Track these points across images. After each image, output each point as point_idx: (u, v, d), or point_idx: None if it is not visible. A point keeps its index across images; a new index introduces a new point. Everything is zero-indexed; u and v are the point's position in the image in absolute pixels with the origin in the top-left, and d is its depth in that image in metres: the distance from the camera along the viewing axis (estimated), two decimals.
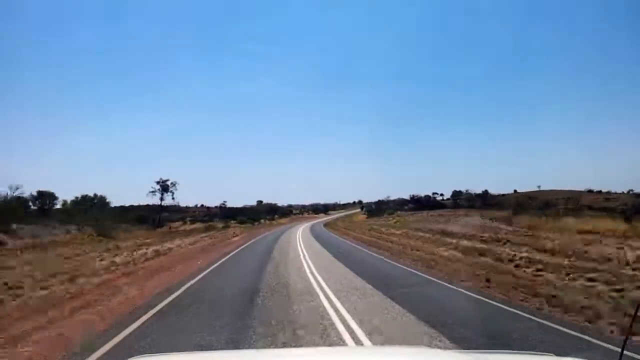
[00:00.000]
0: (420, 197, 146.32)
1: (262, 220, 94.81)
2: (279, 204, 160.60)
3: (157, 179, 64.84)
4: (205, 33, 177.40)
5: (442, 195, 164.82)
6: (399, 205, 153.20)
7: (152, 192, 64.00)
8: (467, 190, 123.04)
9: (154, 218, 63.35)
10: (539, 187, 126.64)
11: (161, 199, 64.48)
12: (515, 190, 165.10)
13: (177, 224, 75.81)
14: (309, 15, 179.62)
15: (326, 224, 68.43)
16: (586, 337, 6.04)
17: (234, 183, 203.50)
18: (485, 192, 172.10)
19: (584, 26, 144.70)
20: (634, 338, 5.16)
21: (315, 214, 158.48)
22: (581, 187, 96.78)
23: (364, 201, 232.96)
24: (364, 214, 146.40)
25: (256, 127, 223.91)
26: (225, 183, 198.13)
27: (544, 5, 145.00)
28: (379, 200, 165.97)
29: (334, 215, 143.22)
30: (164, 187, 64.31)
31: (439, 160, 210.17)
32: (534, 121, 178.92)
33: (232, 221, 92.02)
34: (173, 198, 65.07)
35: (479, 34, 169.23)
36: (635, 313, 1.80)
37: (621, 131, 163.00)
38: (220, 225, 65.57)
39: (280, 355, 2.75)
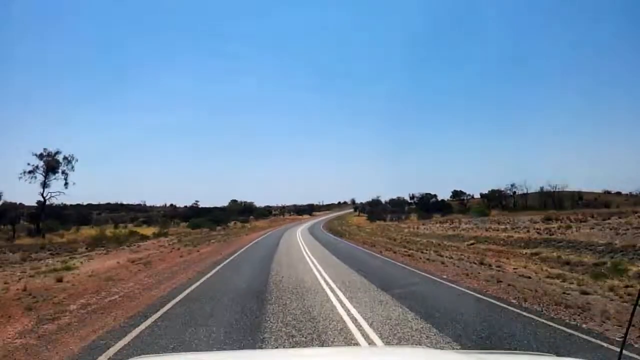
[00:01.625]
0: (425, 196, 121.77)
1: (230, 224, 66.76)
2: (256, 204, 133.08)
3: (40, 151, 35.54)
4: (185, 32, 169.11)
5: (434, 195, 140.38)
6: (398, 205, 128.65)
7: (30, 172, 34.78)
8: (490, 190, 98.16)
9: (12, 217, 34.34)
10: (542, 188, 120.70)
11: (44, 184, 35.29)
12: (514, 192, 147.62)
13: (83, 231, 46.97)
14: (296, 15, 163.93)
15: (334, 230, 41.99)
16: None
17: (212, 183, 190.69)
18: (493, 193, 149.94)
19: (584, 26, 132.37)
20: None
21: (299, 214, 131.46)
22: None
23: (350, 202, 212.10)
24: (358, 215, 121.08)
25: (235, 127, 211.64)
26: (203, 183, 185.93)
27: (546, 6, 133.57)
28: (373, 200, 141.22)
29: (323, 216, 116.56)
30: (50, 166, 35.19)
31: (429, 161, 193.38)
32: (523, 122, 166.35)
33: (186, 222, 63.90)
34: (66, 184, 36.06)
35: (479, 34, 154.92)
36: (633, 312, 1.74)
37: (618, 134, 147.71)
38: (152, 231, 37.98)
39: (280, 355, 2.54)
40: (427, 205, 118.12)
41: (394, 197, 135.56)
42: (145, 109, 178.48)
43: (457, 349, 4.63)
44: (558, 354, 2.01)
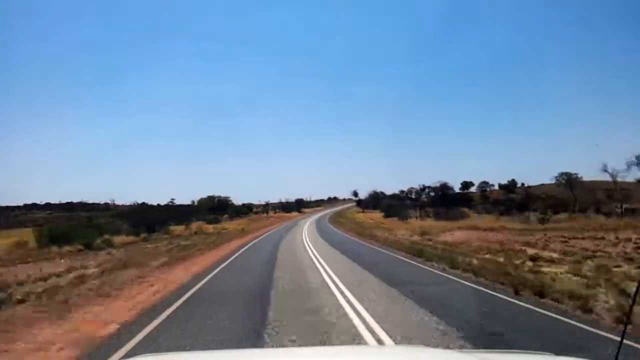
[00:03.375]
0: (445, 187, 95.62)
1: (170, 227, 38.21)
2: (239, 201, 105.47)
3: None
4: (160, 30, 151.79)
5: (451, 187, 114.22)
6: (409, 199, 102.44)
7: None
8: (560, 173, 71.11)
9: None
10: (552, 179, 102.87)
11: None
12: (522, 184, 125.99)
13: None
14: (293, 13, 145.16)
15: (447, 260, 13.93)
16: None
17: (198, 183, 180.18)
18: (513, 183, 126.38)
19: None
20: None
21: (286, 212, 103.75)
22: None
23: (340, 197, 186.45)
24: (363, 211, 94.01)
25: (223, 127, 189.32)
26: (189, 183, 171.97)
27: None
28: (375, 193, 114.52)
29: (317, 214, 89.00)
30: None
31: (423, 153, 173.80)
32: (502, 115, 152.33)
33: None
34: None
35: (482, 27, 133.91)
36: (632, 304, 1.72)
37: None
38: None
39: (280, 355, 2.47)
40: (445, 198, 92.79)
41: (391, 190, 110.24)
42: (130, 110, 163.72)
43: None
44: (557, 353, 1.86)
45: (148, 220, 37.41)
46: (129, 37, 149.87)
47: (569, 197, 60.56)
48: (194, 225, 42.79)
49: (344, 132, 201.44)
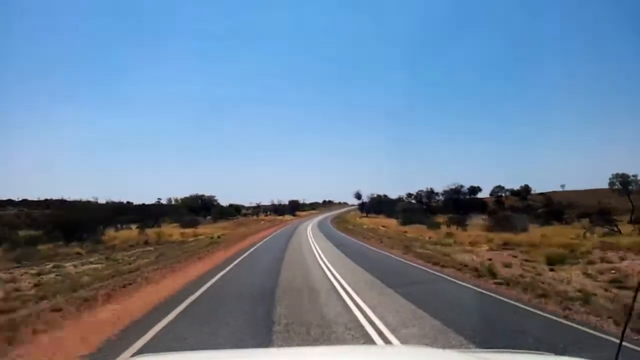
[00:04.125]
0: (458, 191, 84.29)
1: (120, 232, 25.80)
2: (221, 201, 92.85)
3: None
4: (152, 30, 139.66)
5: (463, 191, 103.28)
6: (421, 202, 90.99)
7: None
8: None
9: None
10: (562, 186, 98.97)
11: None
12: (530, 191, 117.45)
13: None
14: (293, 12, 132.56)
15: None
16: None
17: (192, 182, 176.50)
18: (527, 189, 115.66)
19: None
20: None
21: (279, 215, 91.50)
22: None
23: (335, 200, 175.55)
24: (366, 215, 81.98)
25: (215, 127, 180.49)
26: (181, 181, 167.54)
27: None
28: (377, 196, 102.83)
29: (314, 218, 76.83)
30: None
31: (425, 157, 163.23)
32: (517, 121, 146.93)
33: None
34: None
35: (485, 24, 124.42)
36: (632, 307, 1.68)
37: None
38: None
39: (283, 355, 2.41)
40: (459, 203, 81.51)
41: (391, 193, 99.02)
42: (123, 109, 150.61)
43: None
44: (557, 354, 1.90)
45: (91, 222, 25.21)
46: (122, 37, 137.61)
47: (621, 203, 49.47)
48: (154, 231, 30.24)
49: (342, 134, 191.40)
